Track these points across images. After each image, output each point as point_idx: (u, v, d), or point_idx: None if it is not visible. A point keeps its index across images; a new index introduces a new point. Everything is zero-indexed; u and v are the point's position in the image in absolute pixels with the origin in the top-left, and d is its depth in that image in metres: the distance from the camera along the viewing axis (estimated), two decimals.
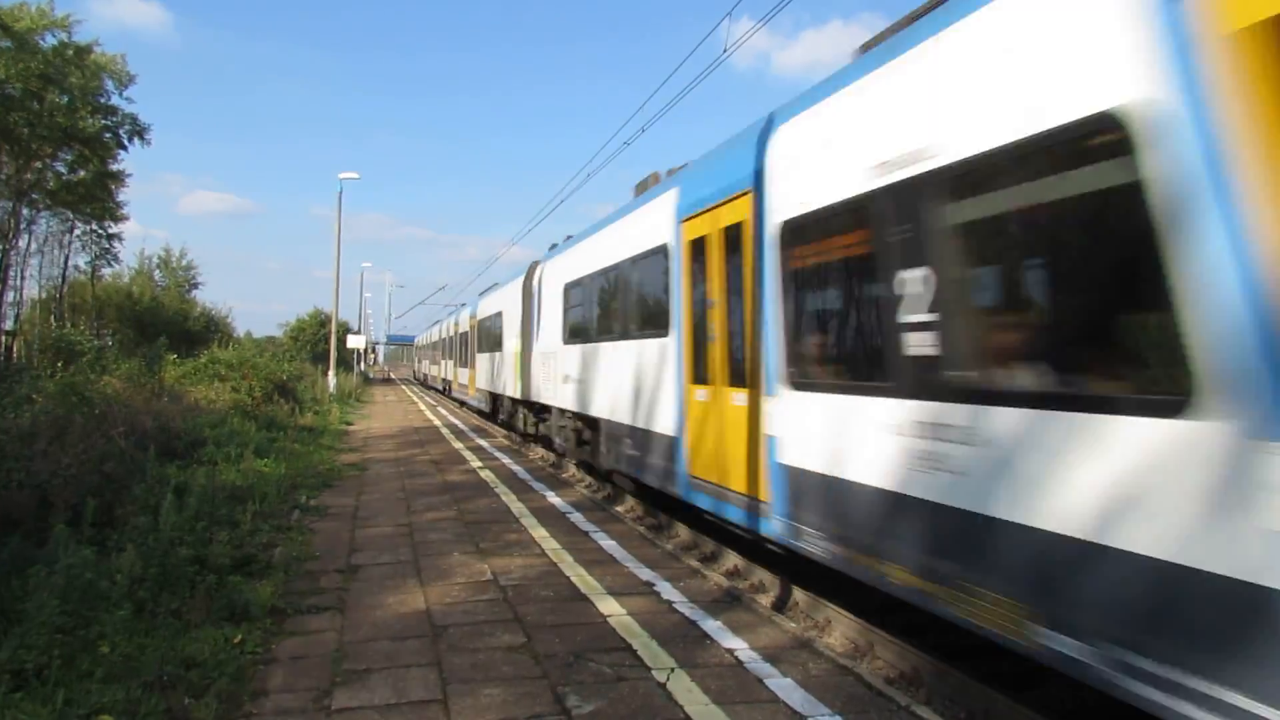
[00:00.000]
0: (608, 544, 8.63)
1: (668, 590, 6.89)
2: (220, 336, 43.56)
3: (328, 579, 7.17)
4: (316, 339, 62.54)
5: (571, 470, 15.64)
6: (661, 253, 9.16)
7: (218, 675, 4.79)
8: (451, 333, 37.28)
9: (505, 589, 6.93)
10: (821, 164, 5.95)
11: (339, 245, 40.14)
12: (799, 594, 7.28)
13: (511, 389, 19.84)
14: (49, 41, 34.46)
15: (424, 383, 61.27)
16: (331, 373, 36.15)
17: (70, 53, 34.73)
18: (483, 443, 19.51)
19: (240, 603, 5.94)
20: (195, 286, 62.98)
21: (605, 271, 11.78)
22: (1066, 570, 3.76)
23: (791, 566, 7.52)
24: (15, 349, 30.96)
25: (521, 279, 18.94)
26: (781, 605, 7.27)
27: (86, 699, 4.27)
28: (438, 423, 25.55)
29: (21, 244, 40.43)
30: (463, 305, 35.70)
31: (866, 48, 6.09)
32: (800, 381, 6.17)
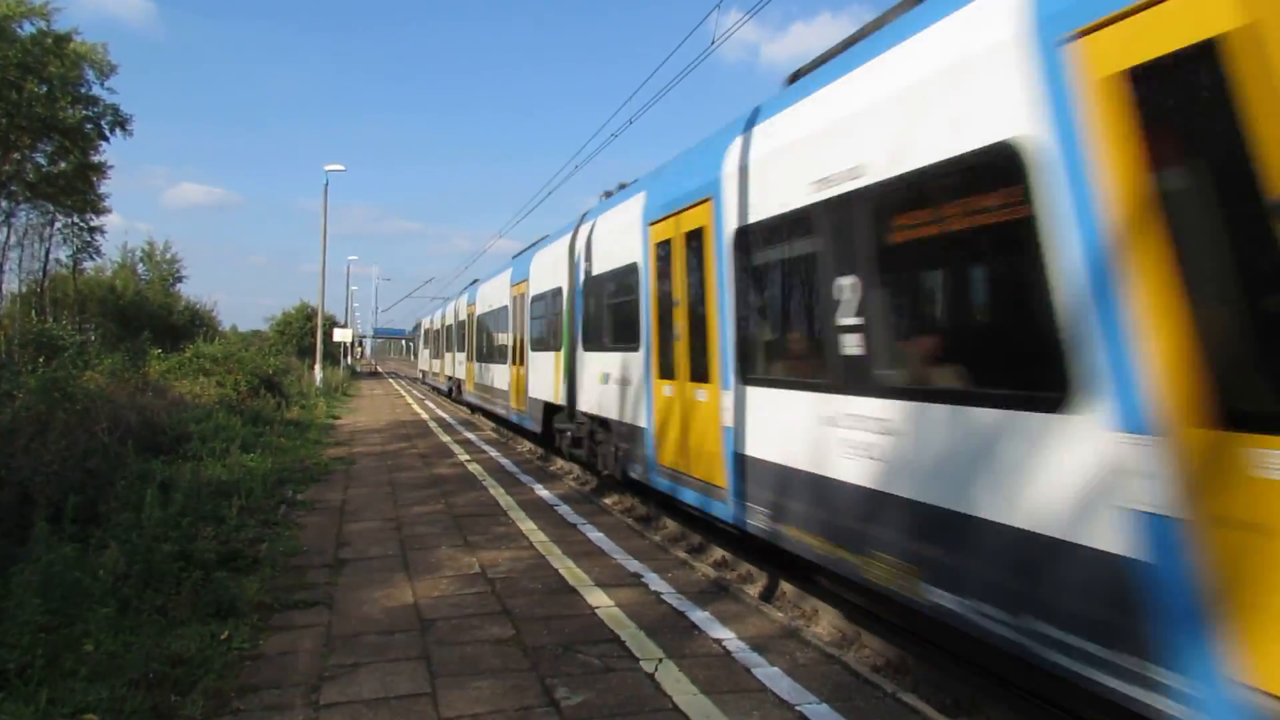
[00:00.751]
0: (596, 536, 8.64)
1: (656, 581, 6.91)
2: (205, 330, 43.23)
3: (315, 574, 7.15)
4: (303, 333, 62.12)
5: (560, 463, 15.63)
6: None
7: (204, 672, 4.77)
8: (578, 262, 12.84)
9: (494, 582, 6.93)
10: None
11: (325, 238, 39.78)
12: (786, 584, 7.30)
13: None
14: (26, 30, 33.96)
15: (452, 395, 32.59)
16: (318, 367, 35.95)
17: (49, 41, 34.18)
18: (471, 436, 19.47)
19: (227, 598, 5.90)
20: (179, 280, 62.27)
21: None
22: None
23: (778, 558, 7.54)
24: None
25: None
26: (769, 595, 7.29)
27: (71, 698, 4.24)
28: (425, 416, 25.46)
29: (0, 237, 39.96)
30: (625, 185, 12.29)
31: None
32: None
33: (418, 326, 61.01)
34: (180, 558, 6.51)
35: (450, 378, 32.40)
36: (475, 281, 27.60)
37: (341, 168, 36.90)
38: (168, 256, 61.33)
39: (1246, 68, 3.11)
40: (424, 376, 48.50)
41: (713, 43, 11.17)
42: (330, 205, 36.41)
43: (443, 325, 35.37)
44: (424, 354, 48.80)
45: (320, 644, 5.44)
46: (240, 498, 9.12)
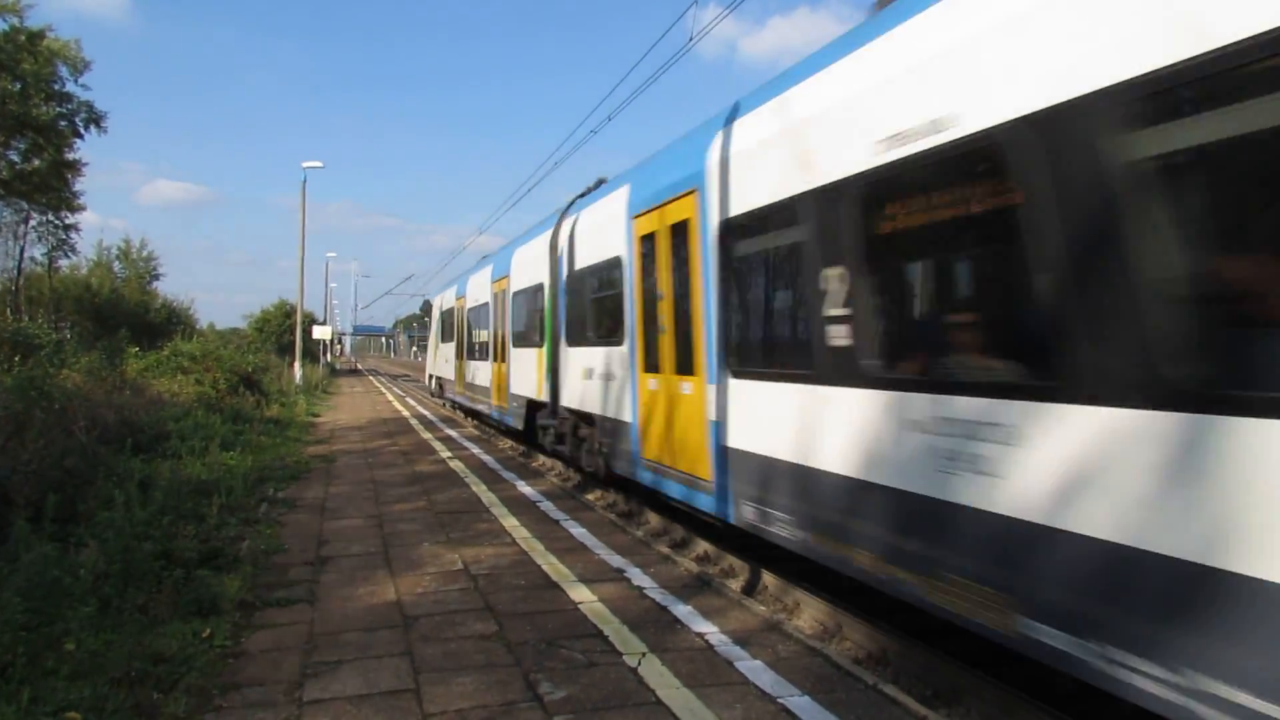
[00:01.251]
0: (578, 532, 8.67)
1: (639, 576, 6.95)
2: (183, 328, 42.80)
3: (297, 571, 7.13)
4: (282, 330, 61.58)
5: (541, 459, 15.64)
6: None
7: (186, 670, 4.76)
8: None
9: (476, 578, 6.94)
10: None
11: (304, 235, 39.58)
12: (768, 578, 7.37)
13: None
14: None
15: (549, 443, 13.85)
16: (297, 364, 35.73)
17: (22, 38, 33.73)
18: (452, 433, 19.43)
19: (208, 596, 5.89)
20: (156, 278, 61.37)
21: None
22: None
23: (760, 551, 7.61)
24: None
25: None
26: (751, 589, 7.35)
27: (53, 696, 4.22)
28: (406, 414, 25.37)
29: None
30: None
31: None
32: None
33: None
34: (161, 556, 6.48)
35: (547, 404, 13.30)
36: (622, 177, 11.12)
37: (320, 164, 36.71)
38: (144, 254, 60.47)
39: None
40: (441, 388, 28.39)
41: (690, 39, 11.22)
42: (309, 202, 36.15)
43: (498, 297, 17.20)
44: (442, 350, 27.73)
45: (303, 641, 5.43)
46: (220, 496, 9.08)
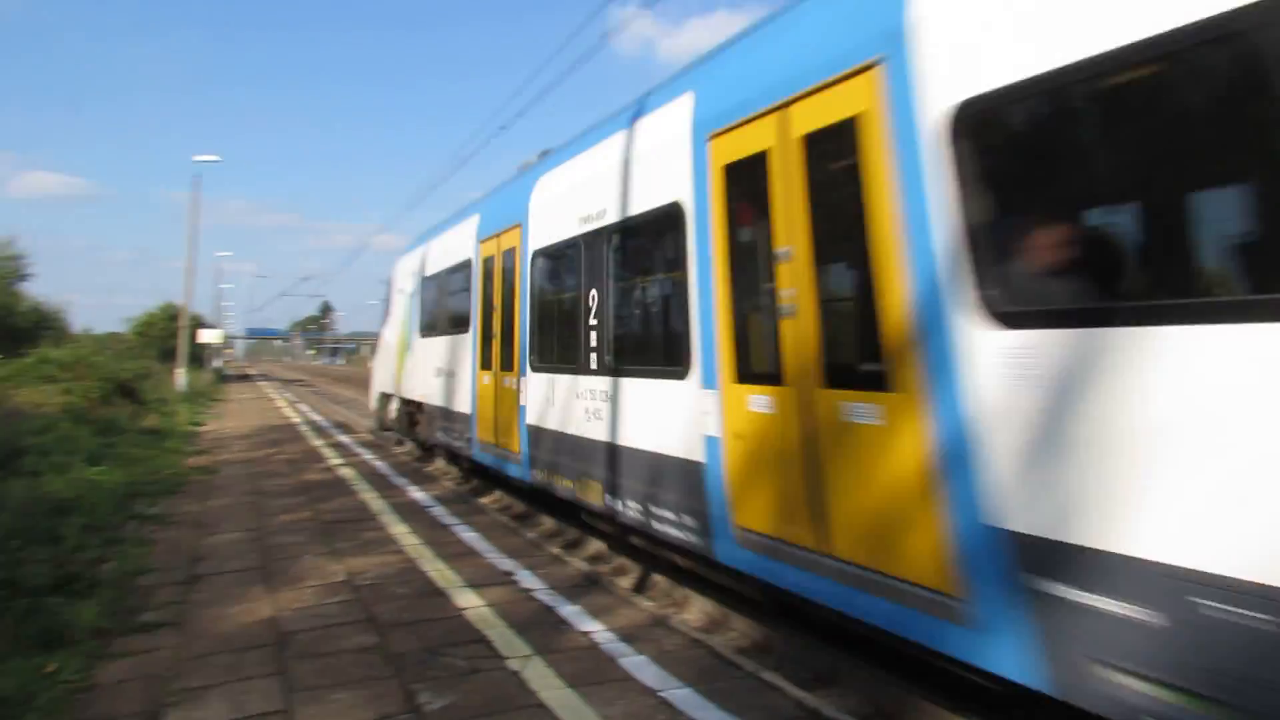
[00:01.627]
0: (469, 536, 8.51)
1: (528, 579, 6.86)
2: (53, 333, 40.09)
3: (165, 592, 6.73)
4: (167, 334, 58.40)
5: (437, 464, 15.32)
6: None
7: (23, 711, 4.41)
8: None
9: (359, 589, 6.71)
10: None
11: (196, 233, 37.26)
12: (658, 575, 7.40)
13: None
14: None
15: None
16: (181, 370, 33.96)
17: None
18: (344, 439, 18.82)
19: (57, 626, 5.48)
20: (24, 278, 57.19)
21: None
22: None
23: (652, 551, 7.63)
24: None
25: None
26: (641, 586, 7.37)
27: None
28: (296, 419, 24.44)
29: None
30: None
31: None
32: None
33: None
34: (4, 585, 6.00)
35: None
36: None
37: (216, 158, 34.92)
38: (10, 252, 56.20)
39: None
40: (411, 422, 15.82)
41: (603, 36, 11.33)
42: (205, 198, 34.01)
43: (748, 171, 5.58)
44: (420, 352, 14.48)
45: (164, 668, 5.12)
46: (82, 514, 8.51)
